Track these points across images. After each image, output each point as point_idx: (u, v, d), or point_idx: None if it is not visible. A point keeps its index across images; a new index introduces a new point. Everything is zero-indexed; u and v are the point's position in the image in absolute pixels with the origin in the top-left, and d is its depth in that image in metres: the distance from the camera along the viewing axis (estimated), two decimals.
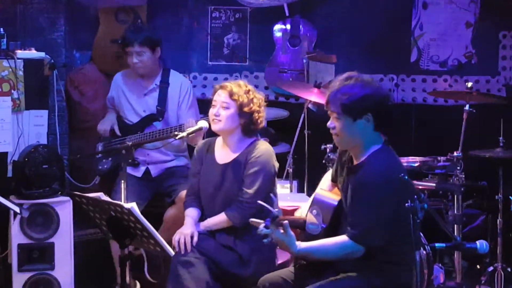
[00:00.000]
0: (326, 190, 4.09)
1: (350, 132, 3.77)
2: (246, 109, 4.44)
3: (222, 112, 4.46)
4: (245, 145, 4.52)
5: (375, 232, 3.68)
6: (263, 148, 4.48)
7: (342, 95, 3.73)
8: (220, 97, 4.49)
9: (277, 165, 4.52)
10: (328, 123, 3.82)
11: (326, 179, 4.19)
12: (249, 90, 4.50)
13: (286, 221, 3.68)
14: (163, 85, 5.50)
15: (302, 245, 3.73)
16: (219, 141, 4.61)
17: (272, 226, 3.61)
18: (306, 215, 3.99)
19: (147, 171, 5.51)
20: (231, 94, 4.45)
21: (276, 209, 3.68)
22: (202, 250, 4.34)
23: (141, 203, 5.14)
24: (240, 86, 4.49)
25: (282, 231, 3.67)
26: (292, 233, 3.70)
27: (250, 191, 4.39)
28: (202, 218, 4.57)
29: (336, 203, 3.93)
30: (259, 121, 4.50)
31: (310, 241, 3.79)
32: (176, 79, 5.57)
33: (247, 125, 4.48)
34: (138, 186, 5.35)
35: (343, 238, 3.73)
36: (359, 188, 3.74)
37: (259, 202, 3.89)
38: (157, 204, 5.55)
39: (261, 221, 3.64)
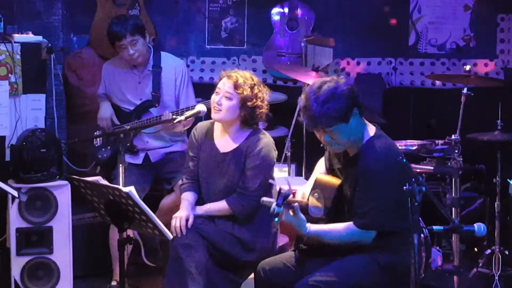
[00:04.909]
0: (326, 174, 4.09)
1: (348, 135, 3.77)
2: (249, 103, 4.40)
3: (224, 102, 4.41)
4: (245, 135, 4.49)
5: (382, 218, 3.70)
6: (264, 141, 4.45)
7: (327, 109, 3.69)
8: (224, 86, 4.43)
9: (276, 155, 4.52)
10: (323, 139, 3.81)
11: (322, 164, 4.20)
12: (254, 85, 4.43)
13: (296, 204, 3.70)
14: (155, 70, 5.42)
15: (312, 227, 3.76)
16: (218, 126, 4.58)
17: (284, 204, 3.64)
18: (308, 199, 4.00)
19: (146, 157, 5.49)
20: (236, 87, 4.40)
21: (287, 188, 3.70)
22: (202, 233, 4.34)
23: (142, 191, 5.13)
24: (246, 79, 4.43)
25: (292, 213, 3.69)
26: (302, 216, 3.73)
27: (254, 185, 4.38)
28: (200, 202, 4.56)
29: (337, 186, 3.93)
30: (259, 116, 4.47)
31: (320, 224, 3.80)
32: (169, 62, 5.49)
33: (247, 118, 4.45)
34: (138, 175, 5.32)
35: (352, 224, 3.75)
36: (360, 178, 3.75)
37: (271, 181, 3.89)
38: (156, 188, 5.56)
39: (273, 200, 3.67)
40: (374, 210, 3.70)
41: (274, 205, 3.64)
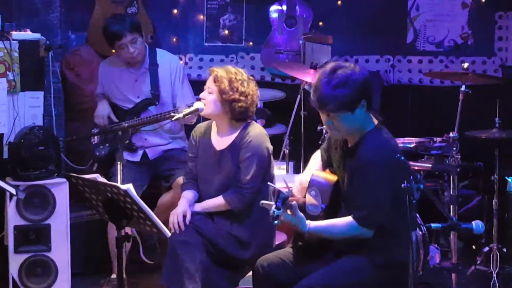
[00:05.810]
0: (321, 170, 4.09)
1: (350, 124, 3.75)
2: (225, 96, 4.39)
3: (206, 95, 4.47)
4: (238, 129, 4.49)
5: (379, 211, 3.70)
6: (254, 132, 4.46)
7: (337, 93, 3.67)
8: (208, 80, 4.49)
9: (270, 147, 4.49)
10: (325, 122, 3.80)
11: (316, 160, 4.19)
12: (235, 78, 4.42)
13: (294, 202, 3.69)
14: (152, 68, 5.42)
15: (312, 224, 3.75)
16: (214, 125, 4.60)
17: (283, 207, 3.62)
18: (305, 197, 4.00)
19: (144, 155, 5.48)
20: (215, 80, 4.44)
21: (286, 190, 3.69)
22: (200, 231, 4.35)
23: (140, 189, 5.13)
24: (227, 72, 4.44)
25: (290, 212, 3.68)
26: (301, 214, 3.72)
27: (247, 177, 4.39)
28: (199, 202, 4.56)
29: (333, 183, 3.94)
30: (239, 110, 4.41)
31: (319, 221, 3.80)
32: (164, 58, 5.49)
33: (231, 113, 4.43)
34: (136, 172, 5.32)
35: (351, 218, 3.74)
36: (357, 170, 3.75)
37: (269, 184, 3.89)
38: (155, 185, 5.55)
39: (272, 202, 3.65)
40: (371, 204, 3.69)
41: (273, 207, 3.61)
